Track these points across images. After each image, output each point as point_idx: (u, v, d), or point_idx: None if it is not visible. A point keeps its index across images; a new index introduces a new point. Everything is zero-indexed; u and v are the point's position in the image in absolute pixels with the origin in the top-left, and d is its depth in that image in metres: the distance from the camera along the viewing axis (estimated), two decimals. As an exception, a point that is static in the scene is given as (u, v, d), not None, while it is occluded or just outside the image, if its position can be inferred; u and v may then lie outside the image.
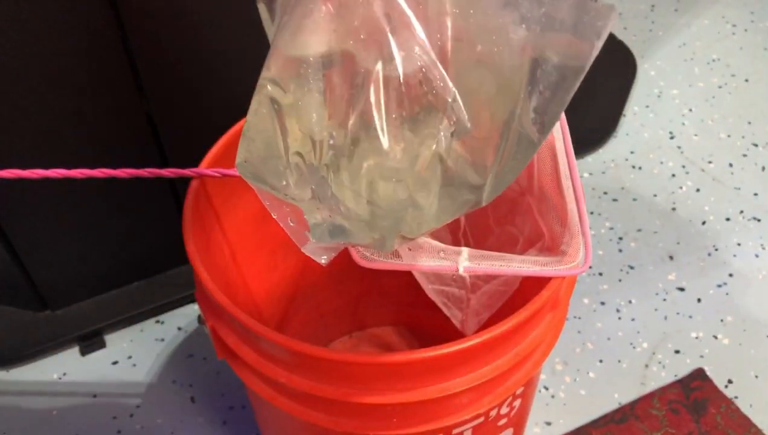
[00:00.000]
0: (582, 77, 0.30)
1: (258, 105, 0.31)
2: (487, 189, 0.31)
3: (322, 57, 0.30)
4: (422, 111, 0.29)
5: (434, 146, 0.30)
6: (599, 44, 0.30)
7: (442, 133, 0.30)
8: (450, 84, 0.29)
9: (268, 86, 0.30)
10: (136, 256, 0.89)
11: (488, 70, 0.29)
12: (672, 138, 1.15)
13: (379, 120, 0.29)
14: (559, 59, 0.30)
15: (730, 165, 1.11)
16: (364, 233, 0.33)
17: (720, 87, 1.24)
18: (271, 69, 0.30)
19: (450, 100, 0.29)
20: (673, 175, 1.09)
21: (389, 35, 0.29)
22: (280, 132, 0.31)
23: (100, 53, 0.70)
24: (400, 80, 0.29)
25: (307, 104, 0.30)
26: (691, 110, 1.20)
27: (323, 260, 0.35)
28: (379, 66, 0.29)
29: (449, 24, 0.29)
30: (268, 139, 0.31)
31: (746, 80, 1.25)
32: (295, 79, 0.29)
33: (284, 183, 0.32)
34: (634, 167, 1.11)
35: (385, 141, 0.29)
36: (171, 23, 0.71)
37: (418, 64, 0.29)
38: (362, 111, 0.29)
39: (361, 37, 0.29)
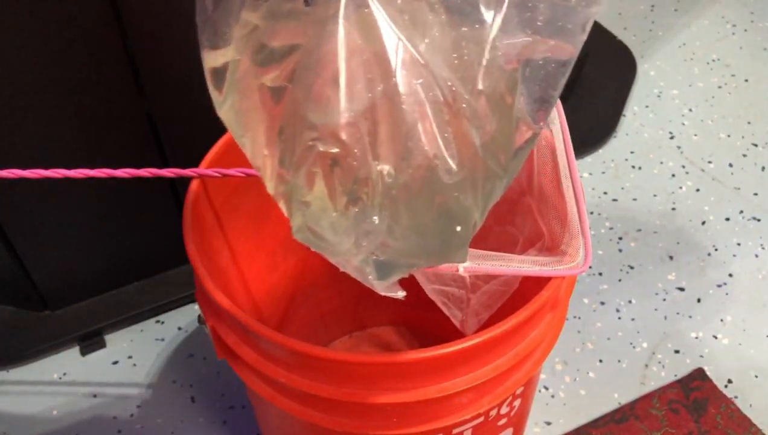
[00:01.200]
0: (572, 64, 0.33)
1: (307, 167, 0.32)
2: (506, 178, 0.34)
3: (365, 108, 0.31)
4: (460, 124, 0.32)
5: (478, 152, 0.32)
6: (586, 31, 0.32)
7: (477, 140, 0.32)
8: (473, 93, 0.32)
9: (319, 146, 0.31)
10: (136, 256, 0.89)
11: (493, 75, 0.32)
12: (672, 138, 1.15)
13: (435, 147, 0.32)
14: (548, 55, 0.32)
15: (730, 165, 1.11)
16: (422, 257, 0.35)
17: (720, 87, 1.24)
18: (317, 129, 0.32)
19: (476, 106, 0.32)
20: (673, 175, 1.09)
21: (426, 65, 0.31)
22: (333, 186, 0.32)
23: (100, 53, 0.70)
24: (442, 104, 0.31)
25: (361, 151, 0.31)
26: (691, 110, 1.20)
27: (400, 295, 0.37)
28: (422, 96, 0.31)
29: (442, 37, 0.32)
30: (321, 197, 0.33)
31: (746, 80, 1.25)
32: (344, 131, 0.31)
33: (338, 236, 0.33)
34: (634, 167, 1.11)
35: (446, 163, 0.32)
36: (171, 23, 0.71)
37: (448, 83, 0.31)
38: (416, 143, 0.31)
39: (395, 73, 0.31)
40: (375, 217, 0.32)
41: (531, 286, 0.52)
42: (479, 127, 0.32)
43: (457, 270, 0.48)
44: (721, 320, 0.91)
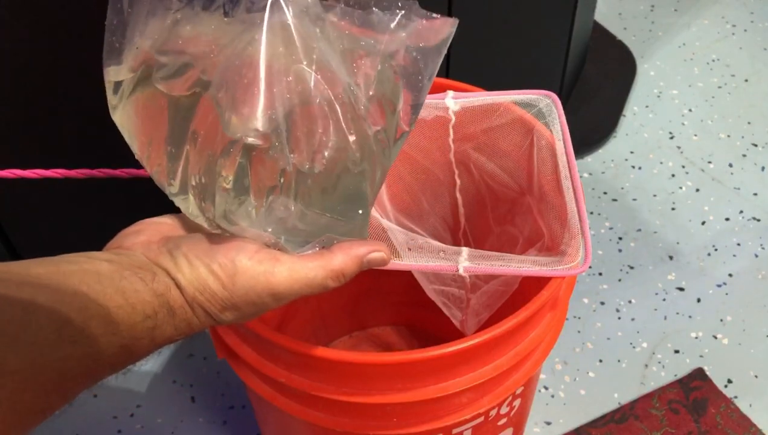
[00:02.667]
0: (434, 73, 0.40)
1: (232, 157, 0.36)
2: (387, 168, 0.40)
3: (284, 107, 0.36)
4: (360, 122, 0.38)
5: (372, 146, 0.38)
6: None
7: (371, 136, 0.38)
8: (369, 97, 0.38)
9: (245, 139, 0.36)
10: (136, 256, 0.89)
11: (383, 84, 0.38)
12: (672, 138, 1.15)
13: (345, 141, 0.37)
14: (413, 68, 0.39)
15: (730, 165, 1.11)
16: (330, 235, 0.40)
17: (720, 87, 1.24)
18: (241, 126, 0.36)
19: (371, 108, 0.38)
20: (673, 175, 1.09)
21: (335, 72, 0.37)
22: (254, 176, 0.37)
23: (101, 52, 0.70)
24: (348, 105, 0.37)
25: (281, 145, 0.36)
26: (690, 110, 1.20)
27: (309, 250, 0.41)
28: (332, 98, 0.36)
29: (345, 49, 0.38)
30: (244, 187, 0.37)
31: (746, 80, 1.25)
32: (267, 126, 0.36)
33: (251, 222, 0.38)
34: (634, 167, 1.11)
35: (353, 155, 0.37)
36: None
37: (352, 89, 0.37)
38: (329, 138, 0.37)
39: (310, 78, 0.36)
40: (291, 205, 0.37)
41: (531, 286, 0.52)
42: (372, 126, 0.38)
43: (457, 270, 0.48)
44: (721, 320, 0.91)
